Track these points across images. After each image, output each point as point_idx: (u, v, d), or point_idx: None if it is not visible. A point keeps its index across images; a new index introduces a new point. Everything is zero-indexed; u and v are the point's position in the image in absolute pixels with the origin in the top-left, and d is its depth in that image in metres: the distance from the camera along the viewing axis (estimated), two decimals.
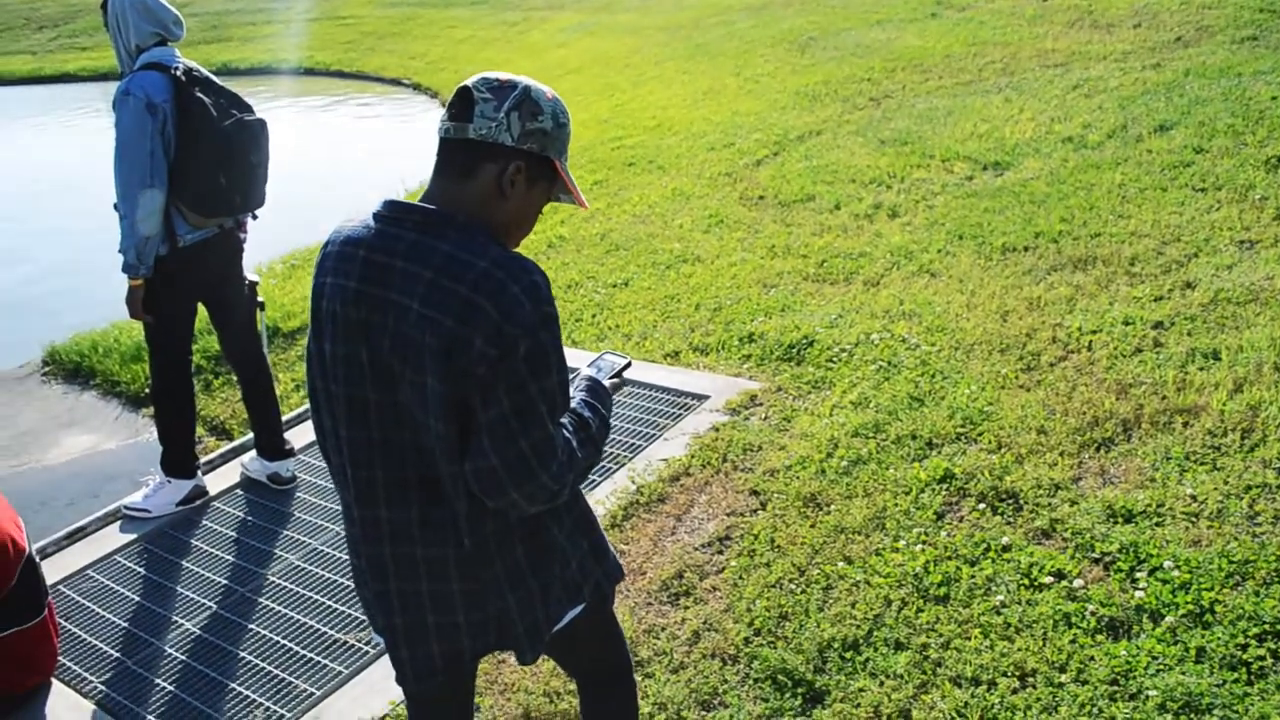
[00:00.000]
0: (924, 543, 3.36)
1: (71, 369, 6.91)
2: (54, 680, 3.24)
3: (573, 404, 1.94)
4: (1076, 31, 10.33)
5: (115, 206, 3.65)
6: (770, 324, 5.16)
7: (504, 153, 1.80)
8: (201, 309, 4.07)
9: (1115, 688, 2.71)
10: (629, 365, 2.22)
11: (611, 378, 2.15)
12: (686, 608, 3.27)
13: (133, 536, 4.00)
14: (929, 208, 6.47)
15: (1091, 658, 2.81)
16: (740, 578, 3.35)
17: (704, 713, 2.87)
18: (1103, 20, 10.52)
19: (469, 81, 1.80)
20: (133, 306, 3.75)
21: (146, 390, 6.37)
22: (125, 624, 3.52)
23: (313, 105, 17.09)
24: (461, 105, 1.79)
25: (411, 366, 1.75)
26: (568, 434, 1.86)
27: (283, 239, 8.47)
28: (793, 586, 3.27)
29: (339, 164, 12.75)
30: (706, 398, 4.52)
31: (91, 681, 3.25)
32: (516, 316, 1.71)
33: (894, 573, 3.24)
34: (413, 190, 10.52)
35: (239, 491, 4.23)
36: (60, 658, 3.31)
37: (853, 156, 7.75)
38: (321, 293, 1.88)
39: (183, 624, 3.48)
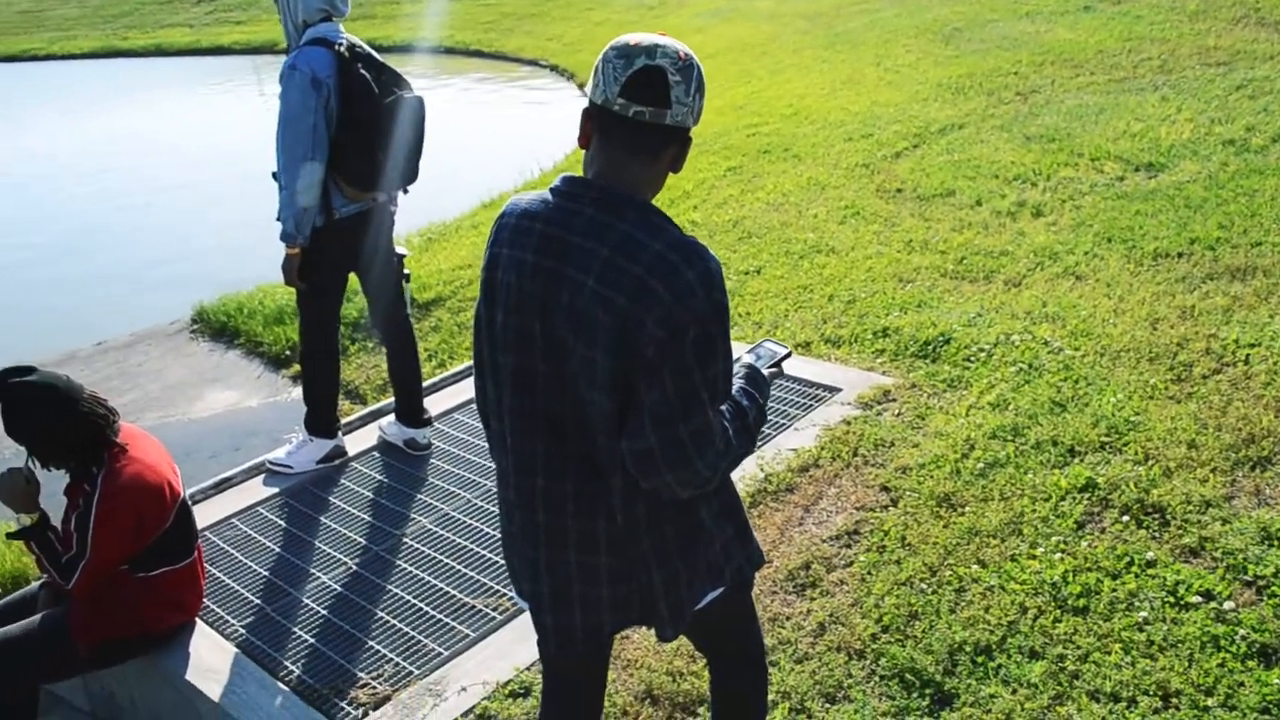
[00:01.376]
0: (1063, 551, 3.26)
1: (218, 328, 7.21)
2: (198, 620, 3.39)
3: (731, 391, 1.94)
4: (1241, 29, 9.83)
5: (275, 176, 3.77)
6: (905, 319, 5.06)
7: (684, 134, 1.82)
8: (351, 277, 4.19)
9: (1266, 716, 2.59)
10: (789, 355, 2.21)
11: (770, 367, 2.14)
12: (813, 599, 3.24)
13: (275, 490, 4.16)
14: (1076, 208, 6.26)
15: (1241, 683, 2.69)
16: (869, 573, 3.31)
17: (828, 705, 2.85)
18: (1270, 18, 9.99)
19: (659, 60, 1.74)
20: (288, 273, 3.89)
21: (287, 352, 6.62)
22: (266, 572, 3.66)
23: (451, 83, 17.44)
24: (658, 89, 1.75)
25: (583, 341, 1.78)
26: (725, 421, 1.86)
27: (419, 213, 8.67)
28: (923, 586, 3.21)
29: (475, 141, 12.97)
30: (838, 390, 4.46)
31: (233, 625, 3.39)
32: (688, 302, 1.72)
33: (1030, 580, 3.15)
34: (547, 169, 10.66)
35: (376, 454, 4.36)
36: (205, 599, 3.46)
37: (996, 152, 7.54)
38: (496, 263, 1.91)
39: (319, 576, 3.61)
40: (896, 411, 4.28)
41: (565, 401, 1.85)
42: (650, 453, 1.77)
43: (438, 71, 18.27)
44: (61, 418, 2.96)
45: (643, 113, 1.76)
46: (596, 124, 1.82)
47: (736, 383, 1.99)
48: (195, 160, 14.40)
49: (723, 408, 1.87)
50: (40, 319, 8.78)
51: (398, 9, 23.96)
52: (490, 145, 12.14)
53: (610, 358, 1.75)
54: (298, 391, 6.18)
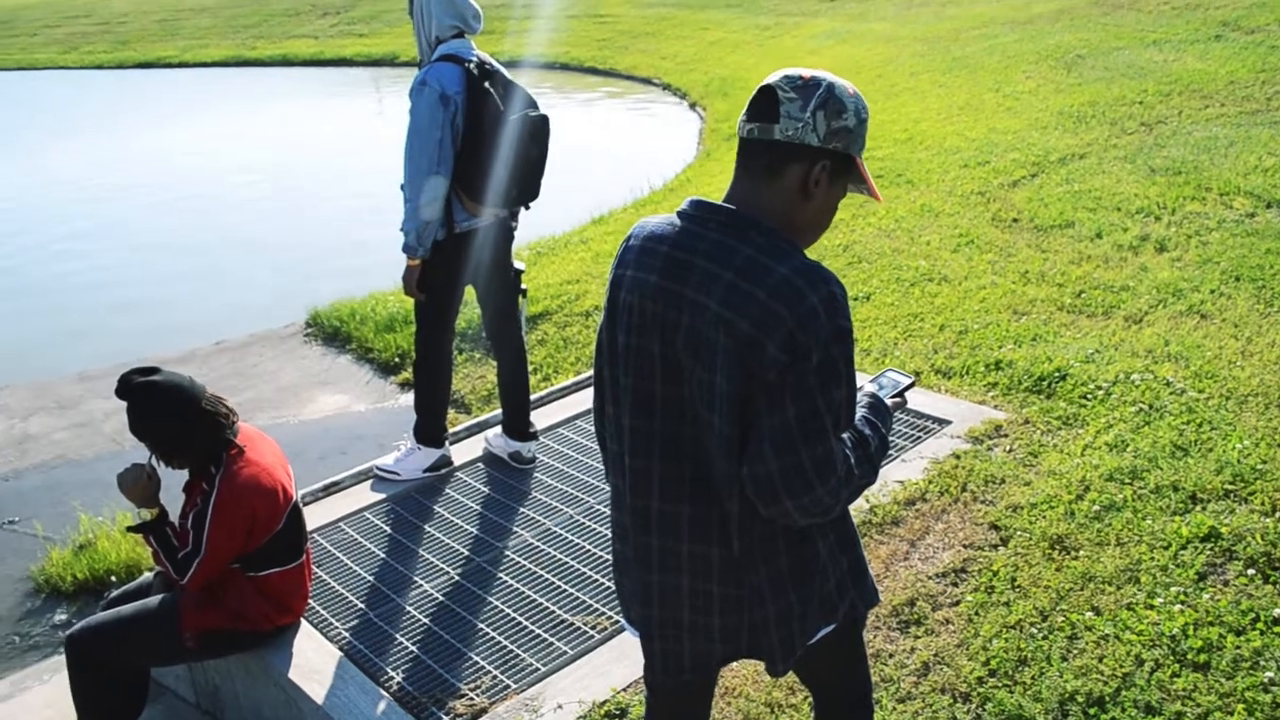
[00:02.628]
0: (1183, 603, 3.13)
1: (330, 332, 7.40)
2: (303, 621, 3.47)
3: (854, 420, 1.91)
4: None
5: (401, 188, 3.86)
6: (1019, 353, 4.94)
7: (810, 153, 1.79)
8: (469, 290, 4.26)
9: None
10: (913, 385, 2.17)
11: (894, 396, 2.11)
12: (917, 637, 3.17)
13: (382, 496, 4.23)
14: (1202, 244, 6.03)
15: None
16: (976, 614, 3.22)
17: None
18: None
19: (771, 80, 1.79)
20: (408, 284, 3.96)
21: (396, 359, 6.76)
22: (370, 577, 3.72)
23: (564, 99, 17.66)
24: (766, 105, 1.79)
25: (702, 363, 1.78)
26: (847, 450, 1.83)
27: (529, 227, 8.78)
28: (1034, 630, 3.11)
29: (586, 158, 13.10)
30: (948, 423, 4.37)
31: (337, 627, 3.46)
32: (811, 327, 1.71)
33: (1148, 630, 3.03)
34: (657, 188, 10.71)
35: (481, 465, 4.41)
36: (311, 601, 3.54)
37: (1119, 183, 7.32)
38: (620, 284, 1.93)
39: (422, 584, 3.66)
40: (1008, 448, 4.17)
41: (683, 424, 1.86)
42: (770, 477, 1.75)
43: (551, 87, 18.51)
44: (183, 418, 3.07)
45: (753, 129, 1.80)
46: (737, 155, 1.87)
47: (859, 411, 1.96)
48: (312, 167, 14.85)
49: (844, 435, 1.85)
50: (162, 317, 9.13)
51: (515, 25, 24.38)
52: (601, 162, 12.24)
53: (731, 381, 1.75)
54: (405, 398, 6.31)
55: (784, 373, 1.72)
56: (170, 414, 3.06)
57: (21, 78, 30.30)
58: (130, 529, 3.26)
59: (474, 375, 6.22)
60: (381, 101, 20.75)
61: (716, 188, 9.63)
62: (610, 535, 2.12)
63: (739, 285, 1.74)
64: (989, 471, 3.97)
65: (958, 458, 4.10)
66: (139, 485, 3.14)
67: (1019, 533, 3.58)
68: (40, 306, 9.81)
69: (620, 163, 12.24)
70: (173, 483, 3.26)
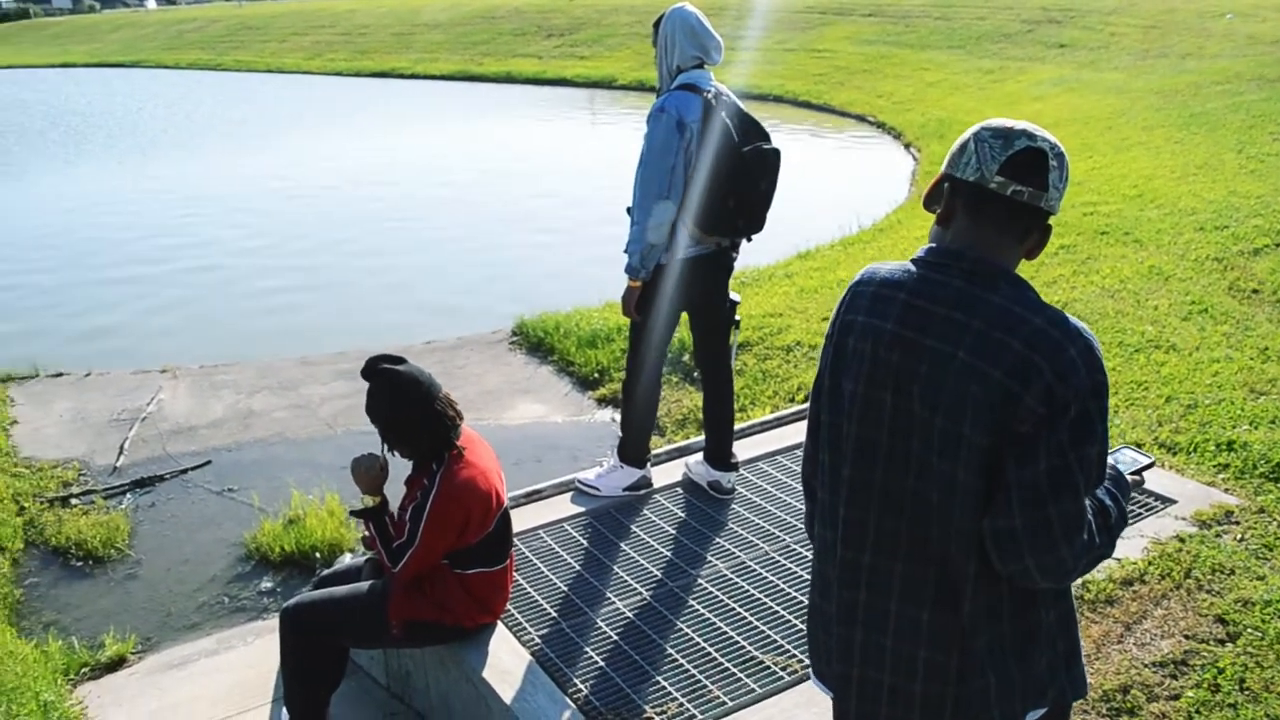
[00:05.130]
0: None
1: (535, 342, 7.60)
2: (499, 623, 3.56)
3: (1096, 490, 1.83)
4: None
5: (629, 211, 3.93)
6: (1256, 435, 4.60)
7: (1047, 221, 1.81)
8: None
9: None
10: (1151, 465, 2.07)
11: (1133, 474, 2.01)
12: None
13: (581, 509, 4.31)
14: None
15: None
16: (1197, 712, 3.01)
17: None
18: None
19: (1040, 143, 1.77)
20: (627, 305, 4.03)
21: (595, 374, 6.88)
22: (565, 588, 3.79)
23: (777, 133, 17.67)
24: (1037, 170, 1.77)
25: (943, 414, 1.74)
26: (1089, 516, 1.76)
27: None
28: None
29: (795, 192, 13.05)
30: (1172, 502, 4.11)
31: (530, 633, 3.53)
32: (1070, 379, 1.67)
33: None
34: (866, 226, 10.55)
35: (679, 490, 4.43)
36: (509, 605, 3.63)
37: None
38: (850, 330, 1.90)
39: (614, 601, 3.69)
40: (1239, 536, 3.89)
41: (906, 478, 1.81)
42: (1013, 533, 1.70)
43: (765, 119, 18.56)
44: (416, 410, 3.21)
45: (1021, 192, 1.77)
46: (966, 200, 1.82)
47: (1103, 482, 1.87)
48: (529, 182, 15.34)
49: (1086, 501, 1.77)
50: (377, 313, 9.61)
51: (732, 55, 24.61)
52: (811, 197, 12.16)
53: (979, 433, 1.71)
54: (601, 413, 6.42)
55: (1038, 426, 1.68)
56: (405, 404, 3.20)
57: (270, 80, 32.61)
58: (353, 513, 3.43)
59: (670, 399, 6.26)
60: (595, 122, 21.29)
61: (928, 232, 9.41)
62: (809, 582, 2.07)
63: (990, 334, 1.71)
64: (1217, 560, 3.71)
65: (1182, 541, 3.85)
66: (371, 472, 3.30)
67: (1249, 630, 3.32)
68: (265, 295, 10.49)
69: (829, 199, 12.13)
70: (396, 475, 3.40)
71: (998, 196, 1.78)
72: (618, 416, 6.28)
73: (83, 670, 4.24)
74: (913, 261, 1.87)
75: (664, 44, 3.94)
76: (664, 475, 4.52)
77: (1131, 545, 3.83)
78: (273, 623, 4.48)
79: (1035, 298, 1.76)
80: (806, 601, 3.54)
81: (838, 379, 1.92)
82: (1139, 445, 4.67)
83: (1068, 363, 1.67)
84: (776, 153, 3.89)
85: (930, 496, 1.79)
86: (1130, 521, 3.96)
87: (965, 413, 1.72)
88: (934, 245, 1.85)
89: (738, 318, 4.21)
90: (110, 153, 20.36)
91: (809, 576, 3.68)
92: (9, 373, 7.39)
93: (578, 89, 25.57)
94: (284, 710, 3.49)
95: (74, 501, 5.54)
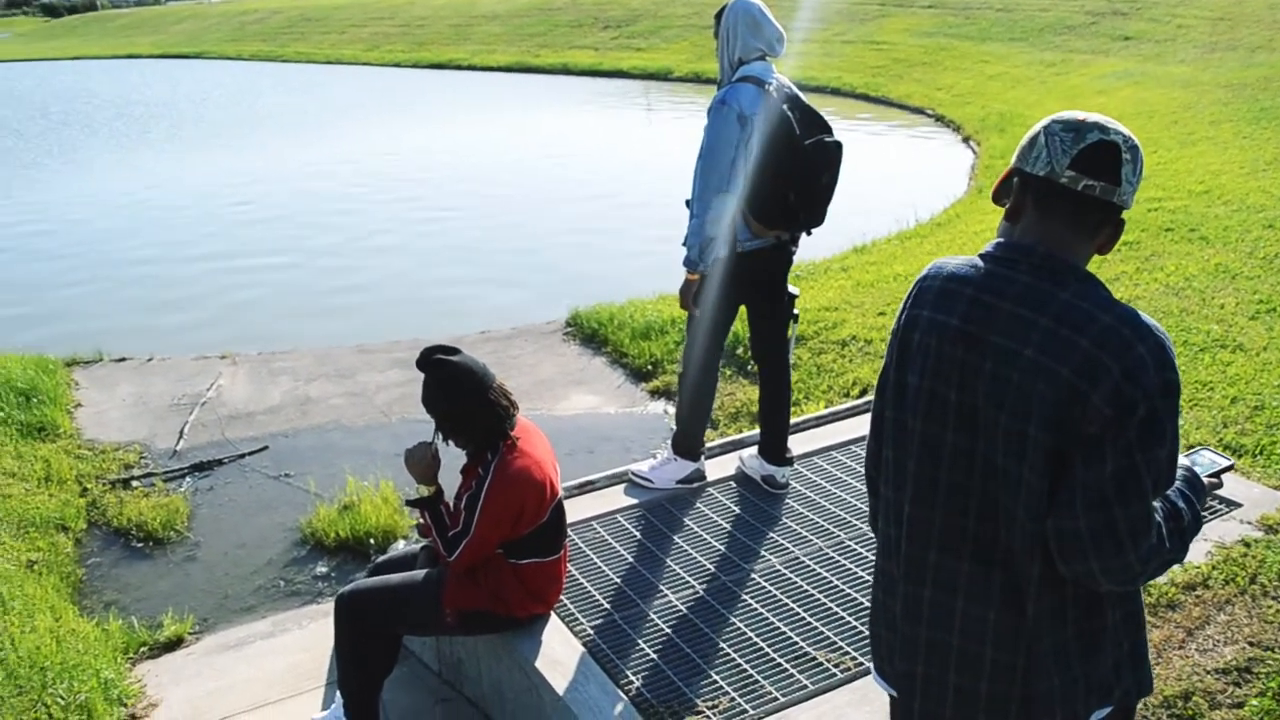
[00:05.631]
0: None
1: (589, 334, 7.60)
2: (552, 614, 3.56)
3: (1170, 488, 1.78)
4: None
5: (687, 203, 3.91)
6: None
7: (1119, 216, 1.77)
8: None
9: None
10: (1230, 467, 2.01)
11: (1210, 476, 1.95)
12: None
13: (634, 501, 4.30)
14: None
15: None
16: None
17: None
18: None
19: (1113, 137, 1.73)
20: (684, 297, 4.01)
21: (648, 366, 6.87)
22: (617, 579, 3.78)
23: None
24: (1109, 165, 1.73)
25: (1009, 412, 1.71)
26: (1159, 518, 1.72)
27: None
28: None
29: (852, 185, 12.95)
30: (1237, 505, 4.01)
31: (583, 624, 3.53)
32: (1139, 378, 1.63)
33: None
34: (923, 220, 10.43)
35: (732, 484, 4.41)
36: (562, 595, 3.63)
37: None
38: (915, 325, 1.87)
39: (666, 594, 3.68)
40: None
41: (971, 476, 1.78)
42: (1078, 535, 1.67)
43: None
44: (470, 400, 3.22)
45: (1093, 187, 1.72)
46: (1036, 195, 1.78)
47: (1174, 484, 1.82)
48: (583, 173, 15.36)
49: (1155, 504, 1.73)
50: (433, 303, 9.68)
51: (789, 47, 24.44)
52: (867, 190, 12.03)
53: (1045, 431, 1.68)
54: (654, 405, 6.41)
55: (1106, 426, 1.64)
56: (459, 394, 3.21)
57: (329, 71, 32.97)
58: (409, 502, 3.45)
59: (723, 392, 6.22)
60: (650, 114, 21.26)
61: (988, 226, 9.28)
62: (863, 579, 2.04)
63: (1058, 332, 1.68)
64: None
65: (1248, 545, 3.75)
66: (423, 462, 3.32)
67: None
68: (322, 283, 10.61)
69: (886, 192, 12.00)
70: (451, 465, 3.42)
71: (1068, 191, 1.74)
72: (670, 409, 6.27)
73: (141, 649, 4.32)
74: (980, 256, 1.84)
75: (725, 36, 3.90)
76: (717, 469, 4.50)
77: (1195, 549, 3.72)
78: (326, 607, 4.53)
79: (1105, 294, 1.72)
80: (861, 599, 3.54)
81: (902, 374, 1.90)
82: (1202, 447, 4.55)
83: (1136, 361, 1.63)
84: (838, 145, 3.84)
85: (996, 495, 1.76)
86: None
87: (1031, 411, 1.68)
88: (1002, 240, 1.82)
89: (796, 311, 4.18)
90: (173, 142, 20.72)
91: (864, 573, 3.67)
92: (74, 356, 7.55)
93: (634, 80, 25.55)
94: (338, 693, 3.52)
95: (135, 484, 5.64)
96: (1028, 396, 1.69)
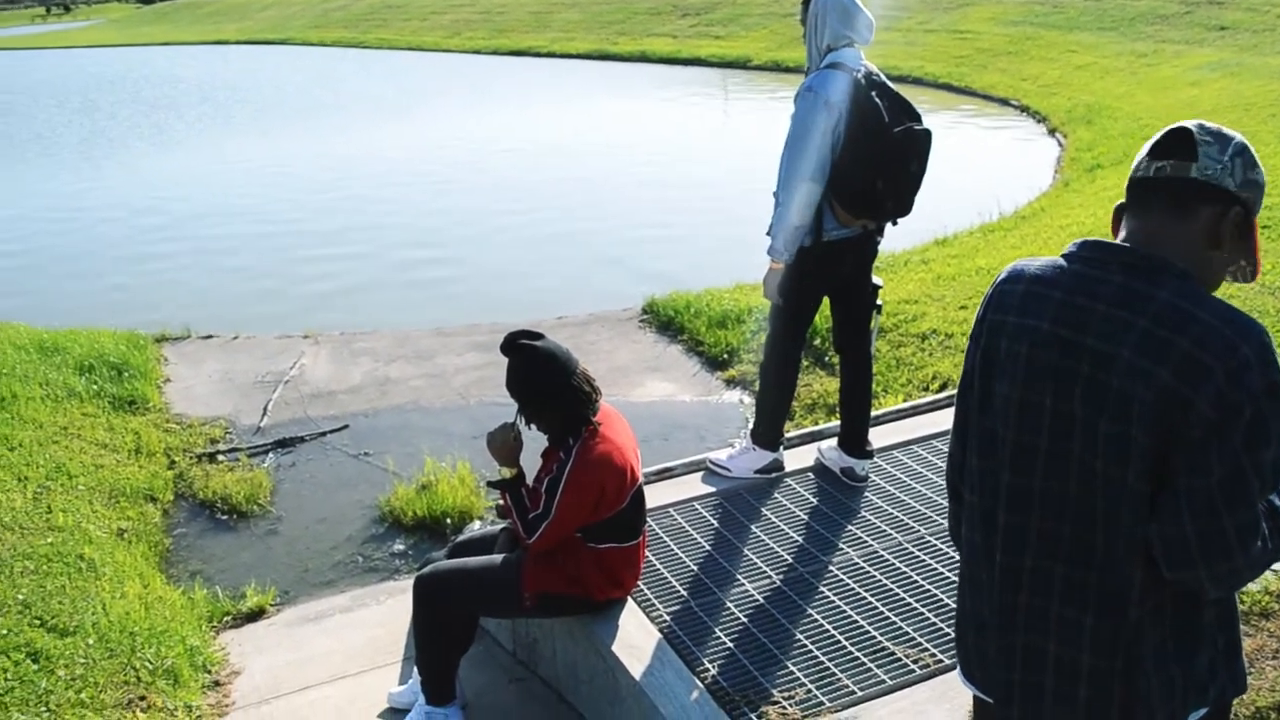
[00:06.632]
0: None
1: (665, 321, 7.59)
2: (629, 599, 3.56)
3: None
4: None
5: (775, 194, 3.87)
6: None
7: (1225, 197, 1.68)
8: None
9: None
10: None
11: None
12: None
13: (712, 489, 4.29)
14: None
15: None
16: None
17: None
18: None
19: (1187, 124, 1.70)
20: (768, 287, 3.96)
21: (725, 355, 6.84)
22: (694, 567, 3.78)
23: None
24: (1180, 145, 1.69)
25: (1109, 417, 1.67)
26: (1262, 522, 1.67)
27: None
28: None
29: (933, 176, 12.74)
30: None
31: (659, 610, 3.53)
32: (1243, 380, 1.58)
33: None
34: (1007, 214, 10.24)
35: (810, 475, 4.37)
36: (639, 581, 3.63)
37: None
38: (1000, 331, 1.83)
39: (743, 583, 3.66)
40: None
41: (1068, 482, 1.75)
42: (1184, 541, 1.63)
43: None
44: (556, 385, 3.23)
45: (1163, 166, 1.70)
46: (1129, 196, 1.76)
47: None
48: (660, 161, 15.35)
49: (1260, 507, 1.68)
50: (512, 287, 9.76)
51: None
52: (949, 182, 11.83)
53: (1147, 436, 1.63)
54: (729, 394, 6.39)
55: (1210, 430, 1.59)
56: (542, 378, 3.23)
57: (410, 57, 33.37)
58: (490, 483, 3.48)
59: (799, 383, 6.13)
60: (727, 103, 21.17)
61: (1074, 221, 9.07)
62: (943, 576, 2.00)
63: (1156, 333, 1.63)
64: None
65: None
66: (506, 444, 3.34)
67: None
68: (403, 266, 10.76)
69: (968, 184, 11.78)
70: (533, 448, 3.44)
71: (1146, 180, 1.73)
72: (746, 398, 6.25)
73: (225, 618, 4.43)
74: (1064, 257, 1.80)
75: (814, 23, 3.85)
76: (795, 459, 4.46)
77: None
78: (403, 583, 4.60)
79: (1203, 292, 1.67)
80: (941, 595, 3.49)
81: (989, 382, 1.85)
82: None
83: (1240, 362, 1.58)
84: (927, 134, 3.77)
85: (1094, 501, 1.73)
86: None
87: (1131, 416, 1.64)
88: (1088, 239, 1.78)
89: (880, 302, 4.12)
90: (257, 125, 21.16)
91: (944, 569, 3.62)
92: (164, 332, 7.75)
93: (712, 69, 25.44)
94: (415, 670, 3.57)
95: (220, 458, 5.78)
96: (1127, 401, 1.65)
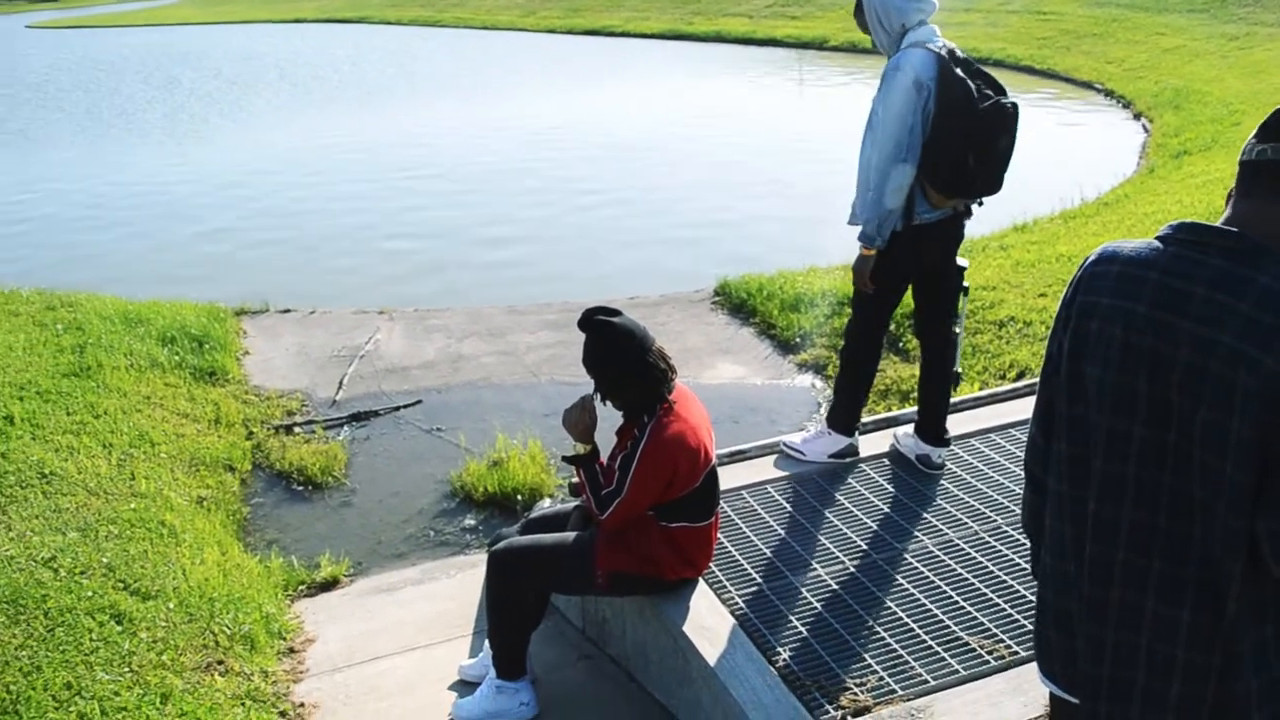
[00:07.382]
0: None
1: (737, 304, 7.55)
2: (701, 580, 3.55)
3: None
4: None
5: (859, 179, 3.79)
6: None
7: None
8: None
9: None
10: None
11: None
12: None
13: (785, 473, 4.25)
14: None
15: None
16: None
17: None
18: None
19: None
20: (860, 275, 3.89)
21: (797, 339, 6.78)
22: (768, 551, 3.75)
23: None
24: None
25: (1209, 404, 1.60)
26: None
27: None
28: None
29: (1014, 161, 12.50)
30: None
31: (731, 593, 3.51)
32: None
33: None
34: (1089, 199, 9.99)
35: (885, 461, 4.31)
36: (711, 563, 3.61)
37: None
38: (1092, 313, 1.76)
39: (816, 568, 3.63)
40: None
41: (1163, 472, 1.68)
42: None
43: None
44: (632, 362, 3.22)
45: (1265, 149, 1.63)
46: (1238, 181, 1.70)
47: None
48: (735, 143, 15.25)
49: None
50: (585, 268, 9.78)
51: (950, 17, 23.72)
52: (1030, 166, 11.59)
53: (1250, 425, 1.56)
54: (801, 378, 6.33)
55: None
56: (619, 355, 3.23)
57: (486, 36, 33.53)
58: (566, 458, 3.48)
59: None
60: (802, 85, 20.95)
61: (1159, 208, 8.82)
62: (1020, 566, 1.94)
63: (1260, 319, 1.56)
64: None
65: None
66: (581, 421, 3.35)
67: None
68: (477, 244, 10.84)
69: (1050, 169, 11.52)
70: (607, 425, 3.43)
71: (1254, 164, 1.66)
72: (818, 382, 6.19)
73: (300, 587, 4.51)
74: (1159, 239, 1.73)
75: (874, 15, 3.74)
76: (870, 445, 4.40)
77: None
78: (474, 558, 4.64)
79: None
80: (1017, 586, 3.43)
81: (1078, 365, 1.79)
82: None
83: None
84: (1015, 107, 3.67)
85: (1191, 491, 1.66)
86: None
87: (1233, 403, 1.58)
88: (1184, 221, 1.71)
89: (965, 284, 4.04)
90: (336, 103, 21.44)
91: (1020, 560, 3.55)
92: (243, 306, 7.90)
93: (788, 49, 25.19)
94: (486, 643, 3.60)
95: (297, 430, 5.88)
96: (1229, 387, 1.58)
